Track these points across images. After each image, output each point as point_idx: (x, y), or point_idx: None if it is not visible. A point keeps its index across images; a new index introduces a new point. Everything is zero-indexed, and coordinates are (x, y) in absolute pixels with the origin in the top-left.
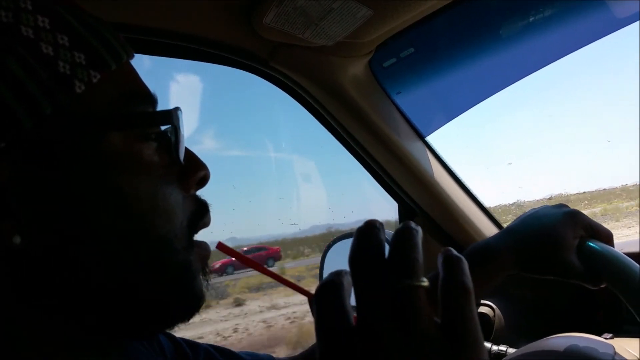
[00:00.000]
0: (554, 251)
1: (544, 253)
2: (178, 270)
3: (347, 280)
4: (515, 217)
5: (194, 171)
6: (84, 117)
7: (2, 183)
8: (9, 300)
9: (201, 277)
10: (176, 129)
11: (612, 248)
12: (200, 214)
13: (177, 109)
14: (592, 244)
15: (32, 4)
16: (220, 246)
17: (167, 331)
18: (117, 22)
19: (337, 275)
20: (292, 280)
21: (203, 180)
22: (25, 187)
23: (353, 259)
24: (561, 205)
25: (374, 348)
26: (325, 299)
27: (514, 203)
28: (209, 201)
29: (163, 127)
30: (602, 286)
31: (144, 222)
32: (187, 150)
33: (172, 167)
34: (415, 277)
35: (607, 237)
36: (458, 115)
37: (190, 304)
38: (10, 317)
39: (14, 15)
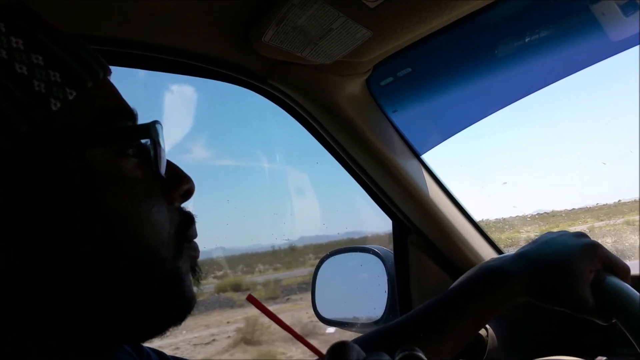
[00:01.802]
0: (569, 283)
1: (558, 284)
2: (166, 278)
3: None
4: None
5: (178, 184)
6: (61, 135)
7: None
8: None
9: (191, 277)
10: (155, 143)
11: (629, 286)
12: (186, 225)
13: (155, 122)
14: (608, 280)
15: (6, 27)
16: (250, 298)
17: (159, 336)
18: (115, 38)
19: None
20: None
21: (187, 193)
22: (6, 207)
23: None
24: (581, 234)
25: None
26: (335, 351)
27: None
28: (201, 210)
29: (144, 141)
30: (613, 321)
31: (129, 235)
32: (170, 164)
33: (155, 181)
34: None
35: (625, 273)
36: (454, 134)
37: (181, 308)
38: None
39: None
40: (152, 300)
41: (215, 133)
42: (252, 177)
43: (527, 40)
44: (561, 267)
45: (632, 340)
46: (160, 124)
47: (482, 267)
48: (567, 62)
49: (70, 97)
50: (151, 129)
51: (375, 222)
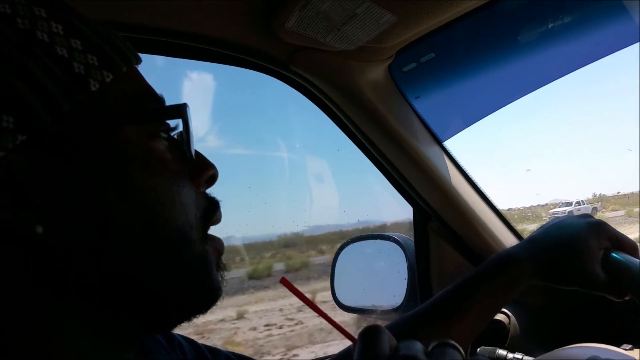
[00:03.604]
0: (578, 262)
1: (568, 263)
2: (195, 261)
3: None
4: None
5: (204, 169)
6: (99, 113)
7: (23, 175)
8: (29, 291)
9: (216, 270)
10: (186, 123)
11: (638, 260)
12: (212, 210)
13: (185, 104)
14: (617, 256)
15: (47, 12)
16: (284, 281)
17: (186, 322)
18: (137, 24)
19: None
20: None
21: (212, 179)
22: (45, 180)
23: None
24: (585, 215)
25: None
26: (367, 335)
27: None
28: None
29: (173, 126)
30: (626, 298)
31: (161, 213)
32: (197, 152)
33: (183, 164)
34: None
35: (633, 249)
36: (476, 122)
37: (208, 295)
38: (29, 309)
39: (30, 22)
40: (180, 282)
41: (233, 120)
42: (271, 165)
43: (551, 25)
44: (569, 247)
45: None
46: (189, 107)
47: (493, 255)
48: (593, 47)
49: (107, 80)
50: (182, 109)
51: (395, 210)
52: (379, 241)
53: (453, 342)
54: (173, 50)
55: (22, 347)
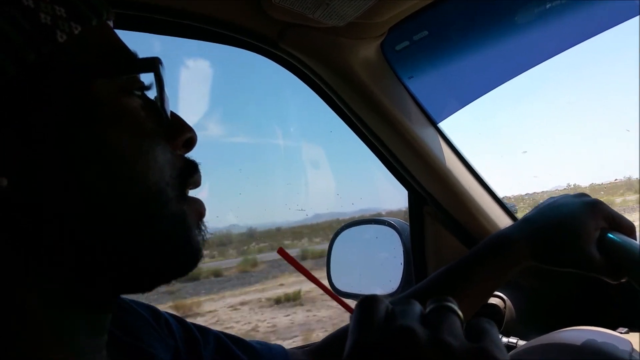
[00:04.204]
0: (574, 242)
1: (563, 244)
2: (172, 220)
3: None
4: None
5: (181, 132)
6: (68, 66)
7: None
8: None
9: (196, 232)
10: (159, 78)
11: (635, 241)
12: (190, 171)
13: (157, 58)
14: (613, 236)
15: None
16: (281, 251)
17: (164, 285)
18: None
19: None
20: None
21: (190, 142)
22: (11, 133)
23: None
24: (581, 195)
25: (407, 340)
26: (364, 303)
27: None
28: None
29: (147, 85)
30: (623, 280)
31: (132, 170)
32: (173, 113)
33: (159, 123)
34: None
35: (630, 230)
36: (472, 102)
37: (188, 256)
38: (4, 270)
39: None
40: (156, 242)
41: (225, 101)
42: (263, 149)
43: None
44: (565, 227)
45: None
46: (162, 63)
47: (488, 237)
48: (590, 22)
49: (76, 32)
50: (155, 63)
51: (389, 193)
52: (374, 226)
53: (451, 304)
54: (161, 28)
55: None
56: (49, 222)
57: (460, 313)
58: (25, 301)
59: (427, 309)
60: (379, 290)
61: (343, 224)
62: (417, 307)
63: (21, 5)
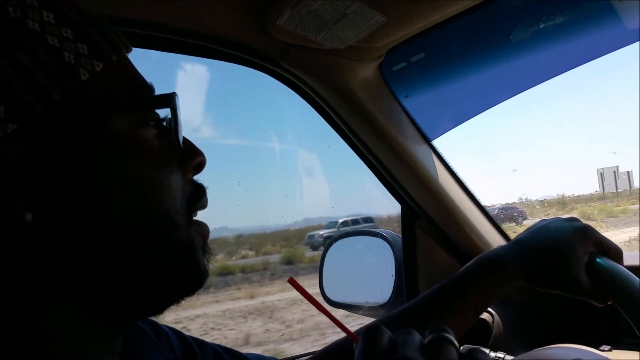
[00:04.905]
0: (563, 266)
1: (553, 267)
2: (182, 244)
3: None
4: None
5: (192, 157)
6: (90, 102)
7: (14, 163)
8: (21, 278)
9: (201, 254)
10: (174, 112)
11: (622, 267)
12: (198, 195)
13: (174, 93)
14: (601, 261)
15: (38, 1)
16: (292, 281)
17: (174, 305)
18: (130, 19)
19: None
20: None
21: (200, 166)
22: (36, 167)
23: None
24: (572, 219)
25: None
26: (369, 333)
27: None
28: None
29: (162, 116)
30: (609, 304)
31: (149, 199)
32: (185, 138)
33: (172, 151)
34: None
35: (617, 254)
36: (465, 121)
37: (195, 278)
38: (20, 297)
39: (22, 11)
40: (168, 267)
41: (228, 116)
42: (263, 160)
43: (541, 27)
44: (555, 250)
45: (626, 318)
46: (177, 97)
47: (480, 256)
48: (582, 50)
49: (97, 69)
50: (171, 99)
51: (384, 206)
52: (367, 237)
53: (449, 335)
54: (166, 45)
55: (14, 334)
56: (70, 251)
57: (456, 343)
58: (43, 326)
59: (426, 339)
60: (370, 301)
61: (336, 236)
62: (417, 337)
63: (46, 44)
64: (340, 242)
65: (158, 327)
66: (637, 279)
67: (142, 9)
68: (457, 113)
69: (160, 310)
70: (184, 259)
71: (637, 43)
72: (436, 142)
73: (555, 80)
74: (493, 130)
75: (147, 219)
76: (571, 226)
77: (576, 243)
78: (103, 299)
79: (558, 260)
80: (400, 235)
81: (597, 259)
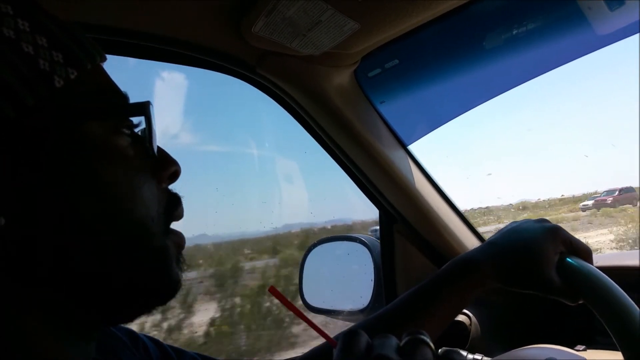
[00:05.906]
0: (534, 266)
1: (524, 267)
2: (155, 253)
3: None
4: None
5: (166, 166)
6: (64, 108)
7: None
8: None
9: (175, 264)
10: (149, 120)
11: (591, 265)
12: (173, 205)
13: (148, 102)
14: (571, 261)
15: (13, 9)
16: (272, 290)
17: (146, 314)
18: (105, 25)
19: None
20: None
21: (174, 175)
22: (9, 173)
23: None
24: (542, 220)
25: None
26: (347, 337)
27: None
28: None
29: (136, 123)
30: (580, 302)
31: (122, 206)
32: (159, 148)
33: (146, 160)
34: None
35: (587, 254)
36: (440, 126)
37: (168, 287)
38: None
39: None
40: (141, 275)
41: (204, 122)
42: (240, 165)
43: (514, 32)
44: (526, 251)
45: (596, 315)
46: (152, 105)
47: (454, 259)
48: (554, 55)
49: (72, 76)
50: (145, 107)
51: (361, 211)
52: (346, 242)
53: (424, 337)
54: (142, 53)
55: None
56: (43, 254)
57: (431, 344)
58: (15, 328)
59: (402, 342)
60: (350, 306)
61: (315, 241)
62: (394, 340)
63: (21, 52)
64: (319, 247)
65: (135, 336)
66: (607, 277)
67: (115, 16)
68: (432, 118)
69: (132, 318)
70: (157, 268)
71: (604, 49)
72: (412, 147)
73: (528, 85)
74: (467, 134)
75: (119, 226)
76: (541, 227)
77: (546, 243)
78: (73, 304)
79: (529, 261)
80: (378, 240)
81: (567, 259)
